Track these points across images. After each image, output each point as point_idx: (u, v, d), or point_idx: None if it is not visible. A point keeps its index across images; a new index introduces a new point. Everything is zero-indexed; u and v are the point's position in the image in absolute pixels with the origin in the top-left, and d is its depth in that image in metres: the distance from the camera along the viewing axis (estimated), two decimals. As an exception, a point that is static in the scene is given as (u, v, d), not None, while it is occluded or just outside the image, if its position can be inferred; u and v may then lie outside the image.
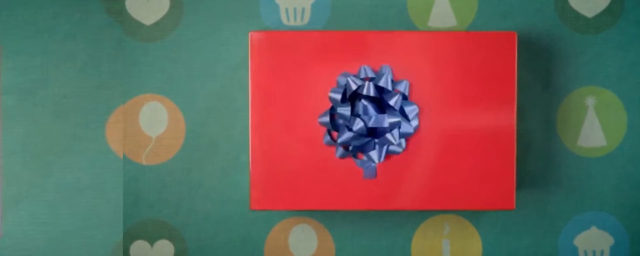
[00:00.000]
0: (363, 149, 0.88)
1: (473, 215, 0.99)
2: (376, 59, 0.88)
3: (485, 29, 0.97)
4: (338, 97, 0.87)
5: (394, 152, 0.88)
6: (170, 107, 0.98)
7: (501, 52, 0.89)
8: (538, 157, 0.98)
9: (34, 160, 0.98)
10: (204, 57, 0.98)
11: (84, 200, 0.98)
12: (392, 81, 0.88)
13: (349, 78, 0.87)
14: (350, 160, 0.89)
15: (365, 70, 0.88)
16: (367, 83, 0.87)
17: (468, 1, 0.97)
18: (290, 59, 0.89)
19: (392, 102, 0.87)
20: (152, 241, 0.99)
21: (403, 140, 0.88)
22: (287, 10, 0.97)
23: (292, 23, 0.98)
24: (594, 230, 0.99)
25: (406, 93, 0.88)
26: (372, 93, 0.87)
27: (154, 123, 0.98)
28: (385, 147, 0.88)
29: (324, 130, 0.89)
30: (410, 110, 0.88)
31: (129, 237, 0.99)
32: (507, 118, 0.89)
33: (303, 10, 0.97)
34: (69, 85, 0.98)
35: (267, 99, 0.89)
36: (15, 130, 0.98)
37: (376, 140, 0.88)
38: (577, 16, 0.97)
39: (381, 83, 0.87)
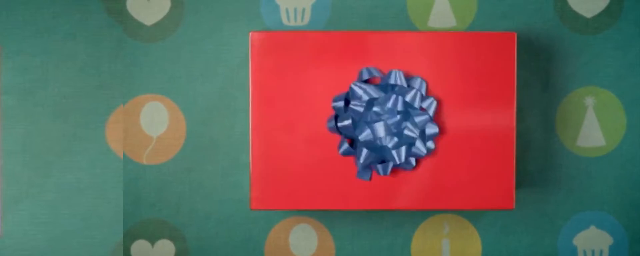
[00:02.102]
0: (383, 158, 0.89)
1: (473, 215, 0.99)
2: (376, 59, 0.89)
3: (485, 29, 0.97)
4: (340, 104, 0.87)
5: (405, 168, 0.88)
6: (171, 107, 0.98)
7: (501, 52, 0.89)
8: (537, 157, 0.98)
9: (34, 160, 0.98)
10: (205, 57, 0.98)
11: (84, 200, 0.98)
12: (422, 96, 0.88)
13: (368, 88, 0.87)
14: (350, 161, 0.89)
15: (369, 71, 0.88)
16: (394, 97, 0.87)
17: (468, 1, 0.98)
18: (291, 59, 0.89)
19: (417, 120, 0.87)
20: (152, 240, 0.99)
21: (413, 159, 0.88)
22: (287, 10, 0.98)
23: (292, 23, 0.98)
24: (593, 229, 0.99)
25: (423, 92, 0.88)
26: (399, 107, 0.87)
27: (154, 123, 0.98)
28: (391, 164, 0.88)
29: (324, 130, 0.89)
30: (428, 103, 0.88)
31: (130, 237, 0.99)
32: (506, 118, 0.89)
33: (303, 10, 0.98)
34: (69, 85, 0.98)
35: (268, 99, 0.89)
36: (15, 130, 0.98)
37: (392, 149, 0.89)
38: (577, 16, 0.98)
39: (408, 99, 0.87)
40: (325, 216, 0.99)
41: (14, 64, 0.98)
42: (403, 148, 0.87)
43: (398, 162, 0.87)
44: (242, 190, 0.98)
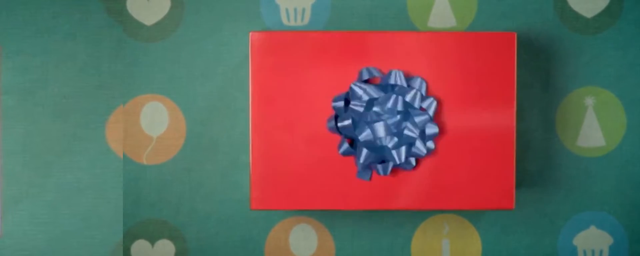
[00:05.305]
0: (383, 158, 0.89)
1: (473, 215, 0.99)
2: (376, 59, 0.89)
3: (485, 29, 0.97)
4: (340, 104, 0.87)
5: (405, 168, 0.88)
6: (171, 107, 0.98)
7: (501, 52, 0.89)
8: (537, 157, 0.98)
9: (34, 160, 0.98)
10: (205, 57, 0.98)
11: (84, 200, 0.98)
12: (422, 96, 0.88)
13: (368, 88, 0.87)
14: (350, 160, 0.89)
15: (369, 71, 0.88)
16: (394, 97, 0.87)
17: (468, 1, 0.98)
18: (291, 59, 0.89)
19: (417, 120, 0.87)
20: (153, 240, 0.99)
21: (413, 159, 0.88)
22: (287, 10, 0.98)
23: (292, 23, 0.98)
24: (593, 229, 0.99)
25: (423, 92, 0.88)
26: (399, 107, 0.87)
27: (154, 123, 0.98)
28: (391, 164, 0.88)
29: (324, 130, 0.89)
30: (428, 103, 0.88)
31: (130, 237, 0.99)
32: (506, 118, 0.89)
33: (303, 10, 0.98)
34: (69, 85, 0.98)
35: (268, 99, 0.89)
36: (15, 130, 0.98)
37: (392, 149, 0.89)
38: (577, 16, 0.98)
39: (408, 99, 0.87)
40: (325, 216, 0.99)
41: (14, 64, 0.98)
42: (403, 148, 0.87)
43: (398, 162, 0.87)
44: (242, 190, 0.98)
